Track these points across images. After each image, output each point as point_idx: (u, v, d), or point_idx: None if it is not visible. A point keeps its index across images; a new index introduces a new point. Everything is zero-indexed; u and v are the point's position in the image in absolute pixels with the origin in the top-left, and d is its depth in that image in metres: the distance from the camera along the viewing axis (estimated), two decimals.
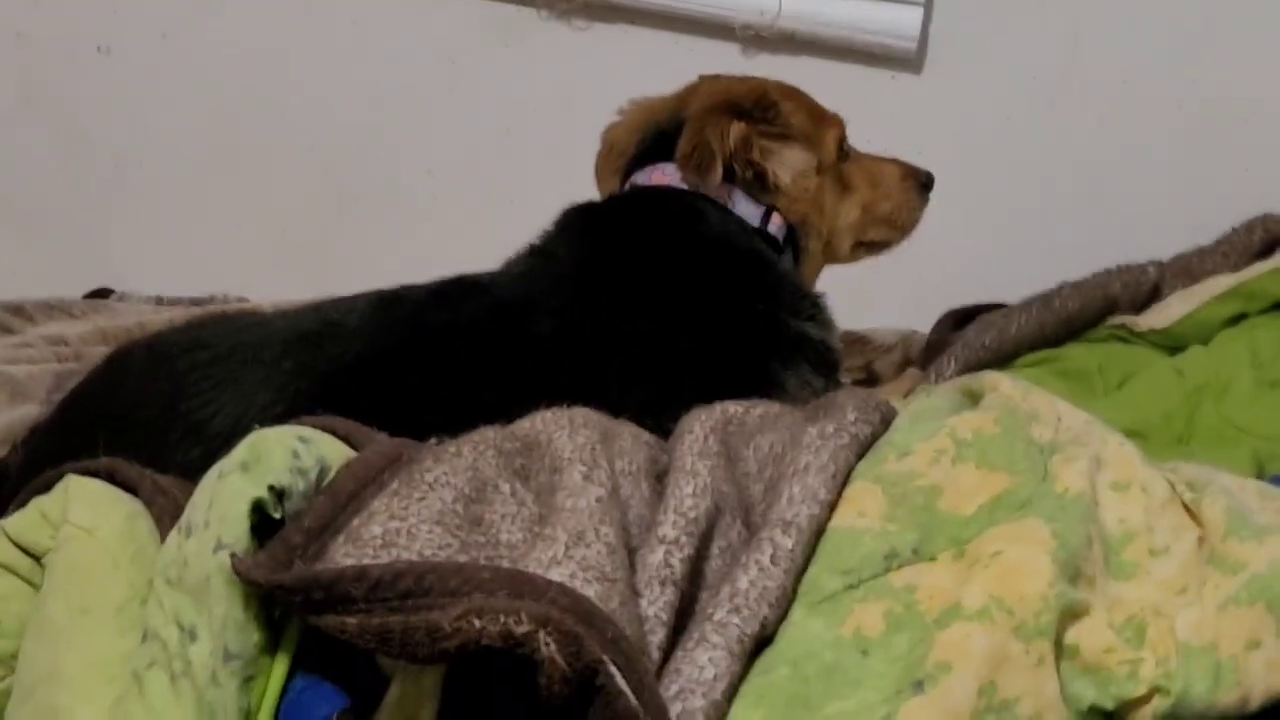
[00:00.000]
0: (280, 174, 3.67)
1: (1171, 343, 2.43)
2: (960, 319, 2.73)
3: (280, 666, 1.31)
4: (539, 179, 3.12)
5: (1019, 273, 2.74)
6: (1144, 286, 2.57)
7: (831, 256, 2.44)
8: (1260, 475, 1.89)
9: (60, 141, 3.67)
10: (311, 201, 3.68)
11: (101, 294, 3.28)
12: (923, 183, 2.47)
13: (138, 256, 3.63)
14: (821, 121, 2.37)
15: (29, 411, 2.35)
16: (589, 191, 2.43)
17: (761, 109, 2.28)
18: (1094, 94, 3.38)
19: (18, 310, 2.92)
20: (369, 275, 2.15)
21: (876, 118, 2.62)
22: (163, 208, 3.69)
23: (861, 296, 2.54)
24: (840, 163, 2.38)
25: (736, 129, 2.23)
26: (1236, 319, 2.43)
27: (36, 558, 1.43)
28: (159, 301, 3.24)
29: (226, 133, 3.65)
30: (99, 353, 2.52)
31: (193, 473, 1.49)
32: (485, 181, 3.57)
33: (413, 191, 3.64)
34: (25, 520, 1.45)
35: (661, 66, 2.52)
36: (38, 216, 3.72)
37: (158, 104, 3.65)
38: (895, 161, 2.48)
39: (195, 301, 3.22)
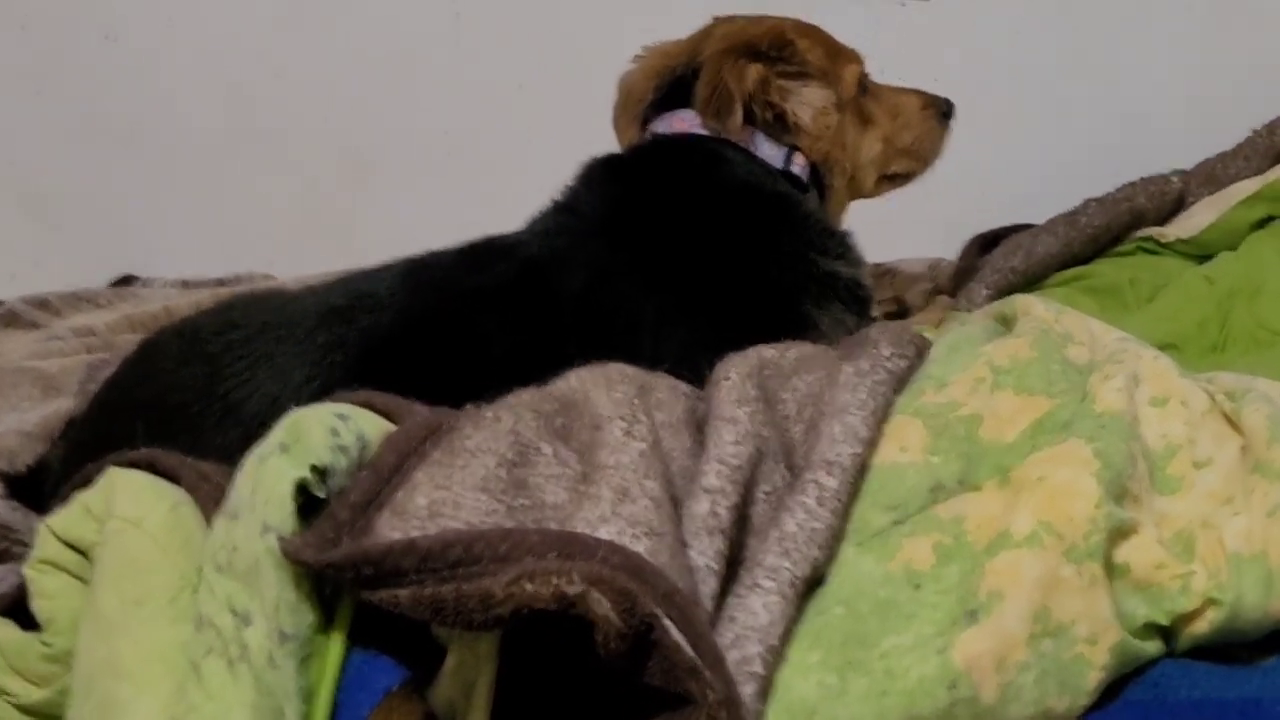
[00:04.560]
0: (295, 148, 3.66)
1: (1200, 251, 2.43)
2: (987, 243, 2.72)
3: (336, 644, 1.31)
4: (555, 132, 3.11)
5: (1042, 192, 2.73)
6: (1169, 197, 2.56)
7: (856, 192, 2.42)
8: None
9: (72, 131, 3.66)
10: (328, 172, 3.68)
11: (125, 281, 3.29)
12: (943, 111, 2.45)
13: (159, 241, 3.63)
14: (839, 57, 2.34)
15: (63, 405, 2.36)
16: (605, 142, 2.41)
17: (778, 49, 2.25)
18: (1104, 2, 3.36)
19: (43, 304, 2.93)
20: (391, 241, 2.14)
21: (889, 47, 2.61)
22: (179, 191, 3.68)
23: (886, 228, 2.53)
24: (860, 97, 2.36)
25: (754, 71, 2.21)
26: (1264, 222, 2.42)
27: (83, 553, 1.43)
28: (184, 285, 3.24)
29: (237, 112, 3.64)
30: (128, 341, 2.53)
31: (232, 455, 1.49)
32: (502, 137, 3.56)
33: (429, 152, 3.63)
34: (70, 516, 1.45)
35: (673, 8, 2.50)
36: (55, 207, 3.71)
37: (166, 89, 3.64)
38: (915, 92, 2.46)
39: (220, 282, 3.22)
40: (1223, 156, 2.65)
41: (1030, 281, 2.41)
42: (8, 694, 1.41)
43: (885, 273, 2.90)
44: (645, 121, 2.33)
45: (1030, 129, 3.42)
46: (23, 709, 1.41)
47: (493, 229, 2.12)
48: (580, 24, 3.47)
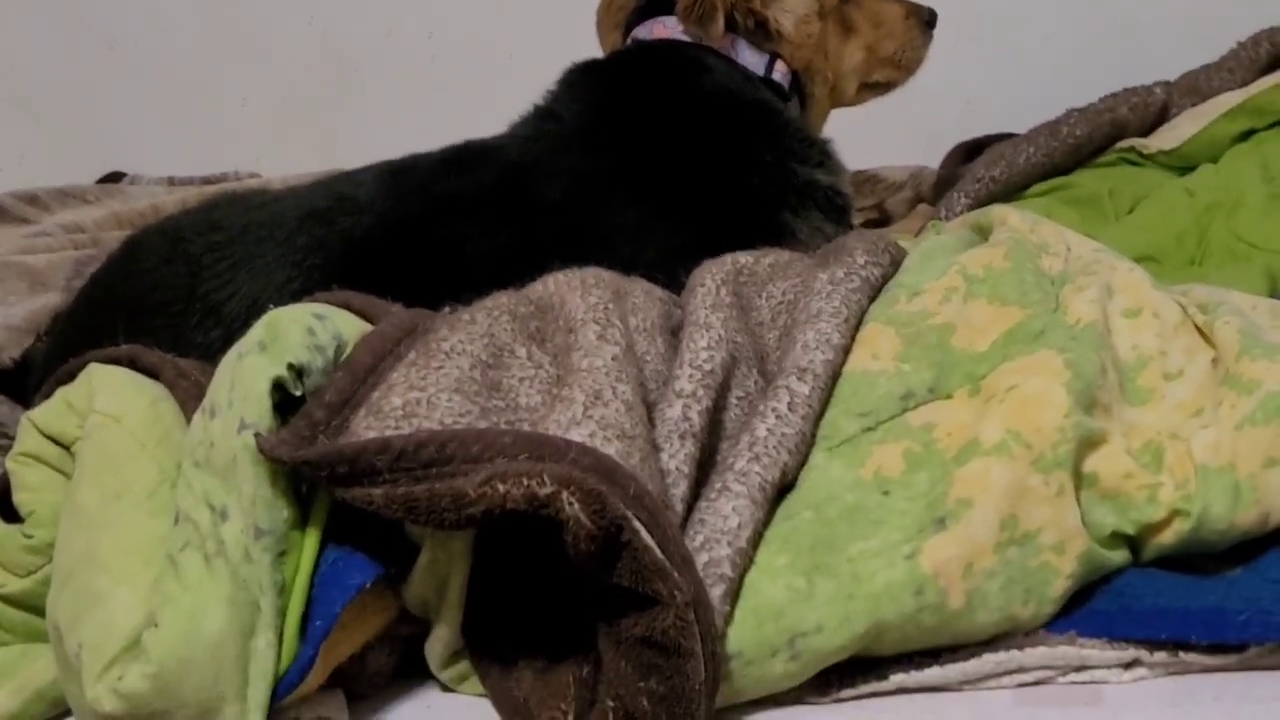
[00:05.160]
0: (280, 47, 3.66)
1: (1181, 163, 2.42)
2: (969, 152, 2.73)
3: (311, 540, 1.33)
4: (538, 37, 3.11)
5: (1025, 100, 2.73)
6: (1152, 108, 2.55)
7: (837, 100, 2.42)
8: (1273, 291, 1.90)
9: (58, 28, 3.66)
10: (313, 72, 3.67)
11: (113, 178, 3.29)
12: (925, 20, 2.45)
13: (145, 140, 3.63)
14: None
15: (50, 300, 2.36)
16: (589, 48, 2.41)
17: None
18: None
19: (32, 199, 2.93)
20: (374, 141, 2.15)
21: None
22: (165, 88, 3.68)
23: (869, 136, 2.53)
24: (842, 5, 2.35)
25: None
26: (1245, 135, 2.42)
27: (65, 446, 1.44)
28: (171, 182, 3.25)
29: (223, 11, 3.63)
30: (115, 238, 2.53)
31: (213, 354, 1.51)
32: (485, 42, 3.55)
33: (413, 55, 3.62)
34: (52, 410, 1.47)
35: None
36: (43, 104, 3.71)
37: None
38: (898, 0, 2.46)
39: (207, 180, 3.23)
40: (1207, 69, 2.64)
41: (1011, 191, 2.41)
42: None
43: (867, 179, 2.90)
44: (629, 28, 2.33)
45: (1015, 37, 3.40)
46: (3, 598, 1.43)
47: (475, 131, 2.13)
48: None
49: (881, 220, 2.73)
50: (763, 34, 2.25)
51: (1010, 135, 2.65)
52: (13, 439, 1.51)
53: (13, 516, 1.46)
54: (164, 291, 1.85)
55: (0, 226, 2.81)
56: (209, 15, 3.64)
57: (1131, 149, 2.47)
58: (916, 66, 2.46)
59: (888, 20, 2.42)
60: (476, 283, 1.64)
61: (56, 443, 1.45)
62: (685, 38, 2.23)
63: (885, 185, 2.91)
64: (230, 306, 1.81)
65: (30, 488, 1.45)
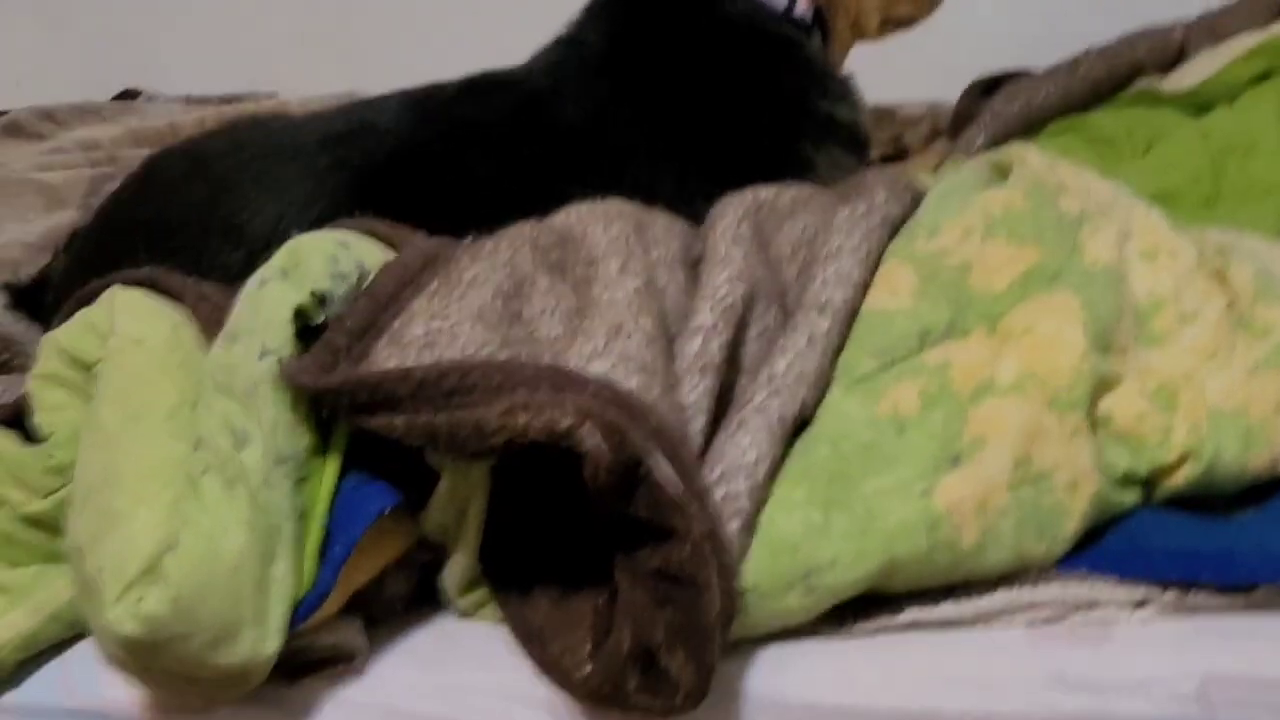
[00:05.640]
0: None
1: (1198, 103, 2.41)
2: (987, 87, 2.71)
3: (331, 466, 1.34)
4: None
5: (1044, 36, 2.72)
6: (1170, 48, 2.54)
7: (859, 35, 2.42)
8: None
9: None
10: None
11: (129, 95, 3.29)
12: None
13: (163, 55, 3.62)
14: None
15: (66, 217, 2.37)
16: None
17: None
18: None
19: (48, 115, 2.93)
20: (393, 64, 2.15)
21: None
22: (184, 3, 3.67)
23: (887, 68, 2.53)
24: None
25: None
26: (1263, 77, 2.41)
27: (86, 368, 1.45)
28: (188, 101, 3.24)
29: None
30: (132, 155, 2.54)
31: (234, 275, 1.51)
32: None
33: None
34: (74, 331, 1.47)
35: None
36: (60, 16, 3.70)
37: None
38: None
39: (224, 99, 3.22)
40: (1225, 9, 2.63)
41: (1029, 129, 2.41)
42: (9, 503, 1.44)
43: (885, 113, 2.89)
44: None
45: None
46: (24, 519, 1.44)
47: (493, 54, 2.13)
48: None
49: (898, 154, 2.72)
50: None
51: (1027, 72, 2.64)
52: (28, 357, 1.52)
53: (31, 437, 1.47)
54: (185, 211, 1.85)
55: (17, 142, 2.82)
56: None
57: (1149, 89, 2.47)
58: (938, 2, 2.46)
59: None
60: (495, 205, 1.65)
61: (78, 363, 1.45)
62: None
63: (902, 119, 2.91)
64: (252, 226, 1.81)
65: (51, 408, 1.46)
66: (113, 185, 2.16)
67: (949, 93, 2.85)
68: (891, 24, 2.45)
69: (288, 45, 3.63)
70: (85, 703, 1.36)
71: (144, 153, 2.38)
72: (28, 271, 2.17)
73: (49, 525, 1.43)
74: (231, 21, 3.65)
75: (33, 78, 3.58)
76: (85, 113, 3.00)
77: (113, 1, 3.68)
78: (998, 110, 2.42)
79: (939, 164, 2.33)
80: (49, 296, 1.96)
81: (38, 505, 1.43)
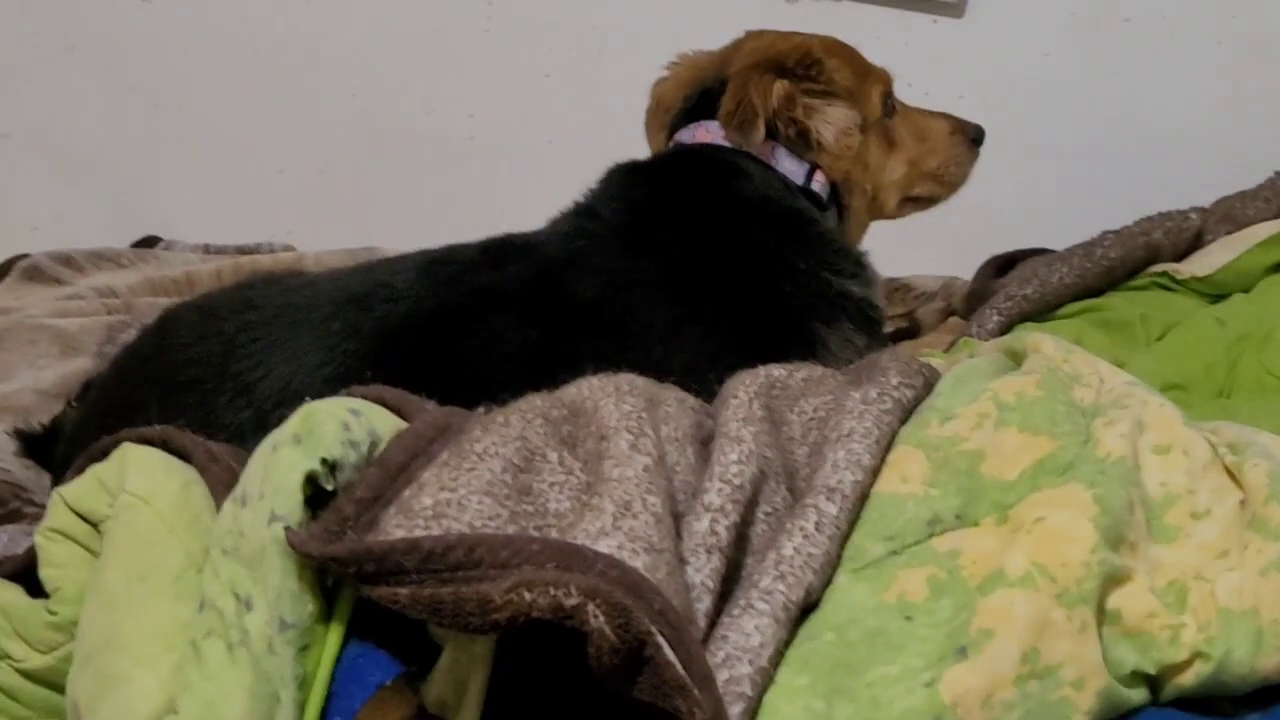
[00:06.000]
0: (321, 119, 3.69)
1: (1214, 290, 2.43)
2: (1002, 266, 2.73)
3: (335, 634, 1.33)
4: (578, 122, 3.14)
5: (1060, 216, 2.75)
6: (1186, 233, 2.56)
7: (878, 212, 2.44)
8: None
9: (103, 90, 3.69)
10: (352, 146, 3.70)
11: (148, 242, 3.32)
12: (972, 137, 2.46)
13: (182, 203, 3.66)
14: (866, 77, 2.36)
15: (81, 365, 2.38)
16: (627, 135, 2.44)
17: (805, 66, 2.27)
18: (1134, 33, 3.37)
19: (67, 261, 2.95)
20: (408, 218, 2.17)
21: (918, 63, 2.62)
22: (205, 154, 3.72)
23: (902, 243, 2.54)
24: (885, 118, 2.38)
25: (779, 87, 2.23)
26: (1279, 266, 2.42)
27: (94, 524, 1.45)
28: (205, 250, 3.27)
29: (266, 79, 3.67)
30: (148, 303, 2.56)
31: (244, 433, 1.52)
32: (525, 125, 3.58)
33: (452, 134, 3.64)
34: (83, 488, 1.47)
35: (702, 11, 2.52)
36: (83, 164, 3.74)
37: (198, 52, 3.67)
38: (944, 116, 2.47)
39: (241, 250, 3.25)
40: (1243, 195, 2.64)
41: (1042, 310, 2.42)
42: (10, 658, 1.44)
43: (899, 287, 2.91)
44: (674, 130, 2.35)
45: (1053, 153, 3.43)
46: (24, 674, 1.43)
47: (510, 215, 2.15)
48: (610, 18, 3.49)
49: (911, 329, 2.73)
50: (803, 143, 2.27)
51: (1043, 251, 2.66)
52: (39, 505, 1.52)
53: (38, 592, 1.46)
54: (197, 368, 1.86)
55: (34, 286, 2.83)
56: (252, 83, 3.68)
57: (1165, 274, 2.48)
58: (961, 183, 2.47)
59: (933, 135, 2.43)
60: (508, 375, 1.66)
61: (86, 520, 1.45)
62: (726, 143, 2.25)
63: (916, 294, 2.92)
64: (262, 387, 1.81)
65: (57, 564, 1.45)
66: (128, 334, 2.18)
67: (963, 269, 2.87)
68: (911, 202, 2.47)
69: (305, 197, 3.66)
70: None
71: (160, 301, 2.40)
72: (39, 418, 2.17)
73: (50, 681, 1.43)
74: (251, 171, 3.68)
75: (52, 221, 3.61)
76: (103, 259, 3.02)
77: (135, 147, 3.71)
78: (1012, 291, 2.43)
79: (952, 343, 2.34)
80: (60, 446, 1.96)
81: (39, 660, 1.44)
